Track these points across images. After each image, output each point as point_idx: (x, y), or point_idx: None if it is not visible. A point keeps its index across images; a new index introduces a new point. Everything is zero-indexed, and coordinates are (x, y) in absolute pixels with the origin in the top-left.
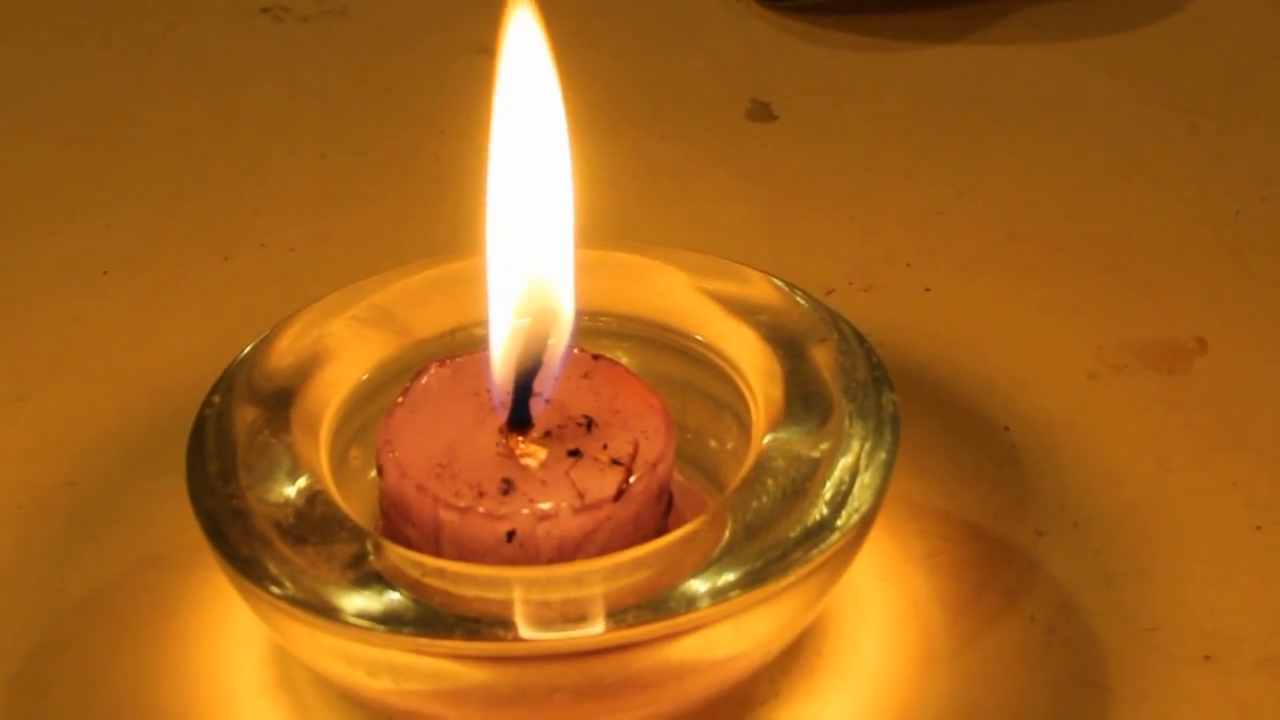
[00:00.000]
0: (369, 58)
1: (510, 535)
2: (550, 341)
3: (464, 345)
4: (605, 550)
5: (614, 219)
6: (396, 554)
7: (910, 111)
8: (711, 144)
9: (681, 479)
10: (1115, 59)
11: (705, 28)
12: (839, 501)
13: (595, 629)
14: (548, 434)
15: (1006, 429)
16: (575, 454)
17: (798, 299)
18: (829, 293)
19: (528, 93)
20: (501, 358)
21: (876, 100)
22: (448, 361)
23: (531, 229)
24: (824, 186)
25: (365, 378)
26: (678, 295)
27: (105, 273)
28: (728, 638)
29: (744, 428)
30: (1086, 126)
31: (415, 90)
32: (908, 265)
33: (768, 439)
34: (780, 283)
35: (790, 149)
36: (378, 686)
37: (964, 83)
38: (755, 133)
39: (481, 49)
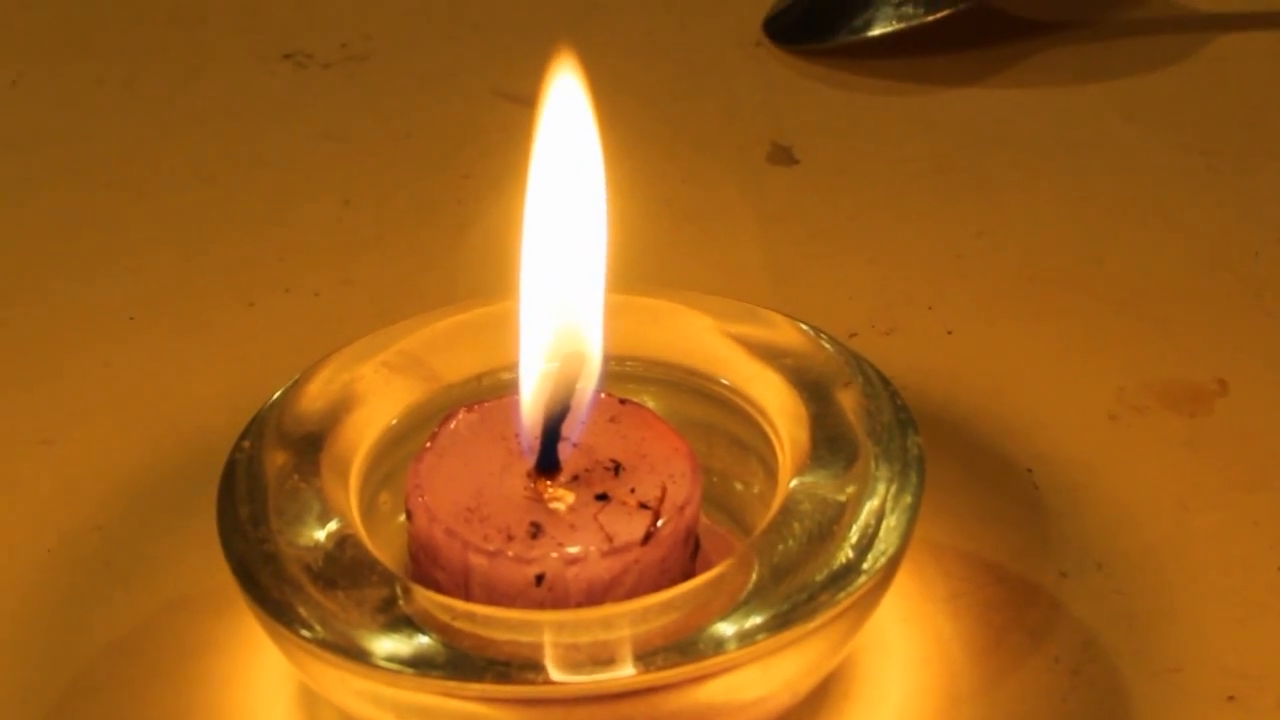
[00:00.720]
0: (391, 103)
1: (539, 579)
2: (578, 386)
3: (491, 390)
4: (633, 593)
5: (635, 262)
6: (426, 598)
7: (929, 154)
8: (733, 188)
9: (708, 522)
10: (1132, 101)
11: (725, 72)
12: (865, 545)
13: (624, 672)
14: (575, 478)
15: (1029, 470)
16: (603, 498)
17: (822, 342)
18: (851, 336)
19: (567, 142)
20: (529, 402)
21: (896, 143)
22: (475, 406)
23: (562, 274)
24: (845, 229)
25: (394, 423)
26: (703, 339)
27: (131, 318)
28: (755, 680)
29: (770, 471)
30: (1104, 168)
31: (437, 135)
32: (929, 308)
33: (794, 482)
34: (805, 326)
35: (811, 192)
36: None
37: (982, 125)
38: (776, 176)
39: (503, 94)
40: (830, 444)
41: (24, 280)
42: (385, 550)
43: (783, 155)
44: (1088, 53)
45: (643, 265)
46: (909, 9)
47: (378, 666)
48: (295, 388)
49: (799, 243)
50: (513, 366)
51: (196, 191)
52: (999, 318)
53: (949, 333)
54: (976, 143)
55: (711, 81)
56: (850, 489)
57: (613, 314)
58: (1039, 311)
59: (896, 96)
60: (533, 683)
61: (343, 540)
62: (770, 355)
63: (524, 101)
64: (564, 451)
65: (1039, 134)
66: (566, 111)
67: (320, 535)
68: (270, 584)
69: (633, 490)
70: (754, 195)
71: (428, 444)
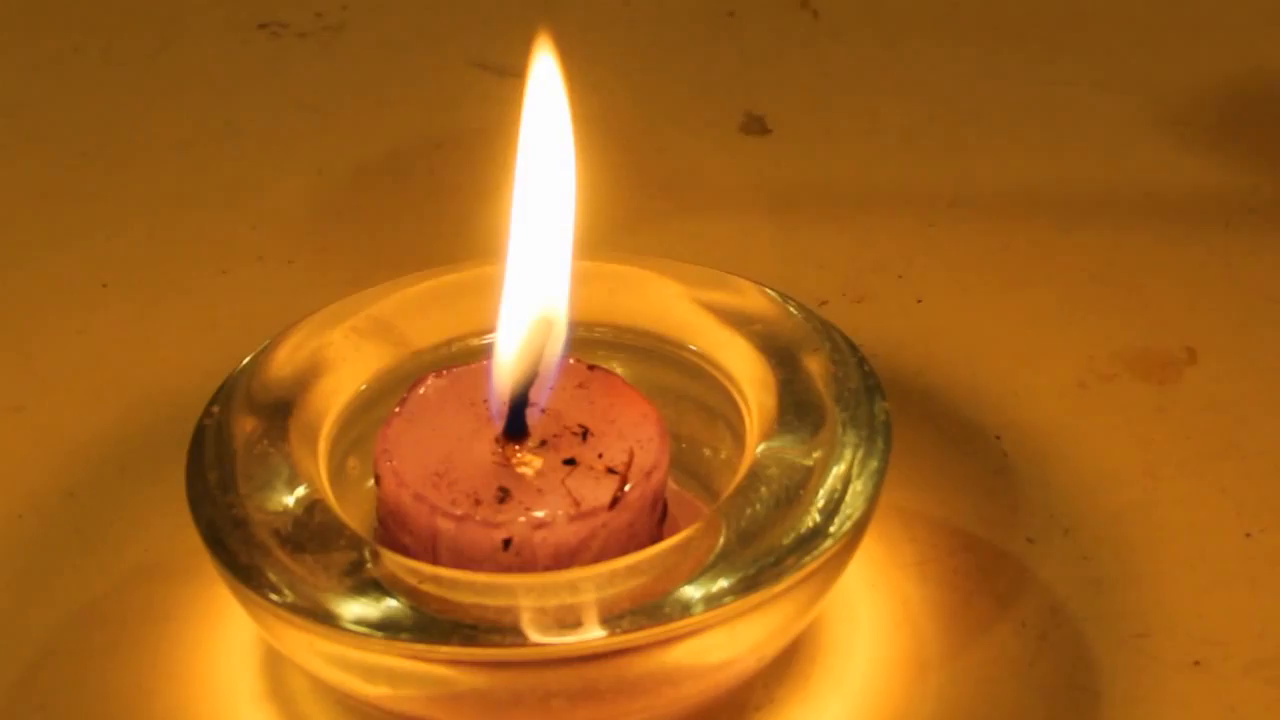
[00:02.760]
0: (365, 72)
1: (507, 543)
2: (546, 351)
3: (460, 356)
4: (601, 557)
5: (607, 231)
6: (394, 562)
7: (901, 125)
8: (705, 157)
9: (676, 487)
10: (1104, 71)
11: (698, 41)
12: (832, 509)
13: (592, 634)
14: (543, 443)
15: (997, 437)
16: (571, 463)
17: (790, 309)
18: (822, 304)
19: (541, 112)
20: (498, 368)
21: (868, 113)
22: (444, 372)
23: (531, 241)
24: (817, 199)
25: (363, 388)
26: (672, 305)
27: (104, 285)
28: (722, 643)
29: (737, 437)
30: (1075, 138)
31: (411, 105)
32: (899, 277)
33: (761, 447)
34: (773, 293)
35: (784, 161)
36: (375, 693)
37: (954, 95)
38: (749, 145)
39: (478, 63)
40: (798, 410)
41: (26, 246)
42: (354, 515)
43: (755, 124)
44: (1060, 21)
45: (613, 233)
46: None
47: (345, 630)
48: (264, 354)
49: (771, 211)
50: (482, 333)
51: (170, 160)
52: (970, 287)
53: (919, 301)
54: (948, 112)
55: (684, 51)
56: (817, 454)
57: (581, 280)
58: (1010, 280)
59: (870, 66)
60: (500, 645)
61: (311, 505)
62: (738, 321)
63: (498, 71)
64: (532, 417)
65: (1011, 104)
66: (542, 83)
67: (289, 500)
68: (239, 549)
69: (600, 455)
70: (727, 164)
71: (396, 409)
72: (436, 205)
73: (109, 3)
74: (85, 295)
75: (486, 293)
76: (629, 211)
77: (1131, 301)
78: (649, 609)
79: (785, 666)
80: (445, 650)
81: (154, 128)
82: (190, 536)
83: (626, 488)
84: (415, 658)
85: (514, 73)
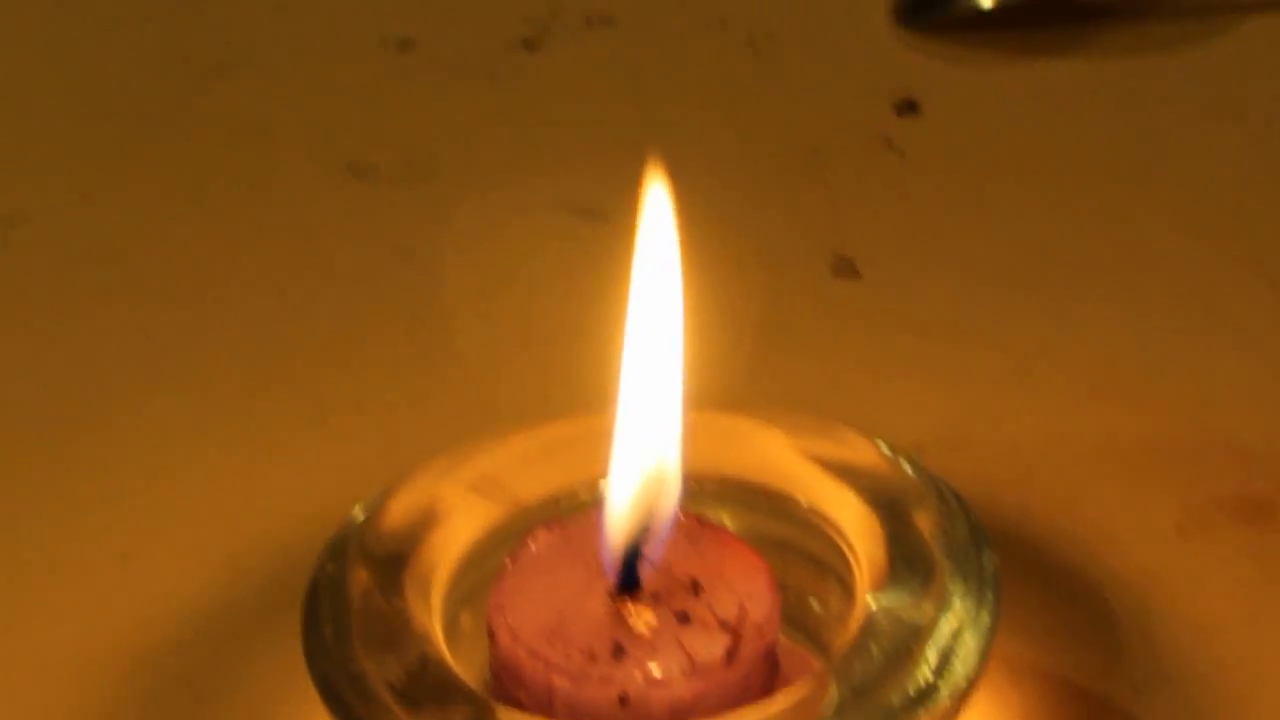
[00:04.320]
0: (457, 217)
1: (623, 700)
2: (659, 505)
3: (570, 509)
4: (715, 713)
5: (700, 376)
6: (510, 718)
7: (992, 268)
8: (797, 301)
9: (785, 640)
10: (1193, 215)
11: (784, 181)
12: (944, 665)
13: None
14: (656, 597)
15: (1099, 585)
16: (683, 617)
17: (895, 459)
18: (918, 450)
19: (656, 262)
20: (610, 521)
21: (958, 254)
22: (555, 525)
23: (641, 392)
24: (910, 343)
25: (474, 542)
26: (778, 457)
27: (204, 434)
28: None
29: (846, 589)
30: (1165, 282)
31: (503, 248)
32: (994, 423)
33: (871, 601)
34: (880, 444)
35: (875, 305)
36: None
37: (1043, 236)
38: (840, 289)
39: (568, 206)
40: (907, 562)
41: (98, 396)
42: (468, 669)
43: (846, 267)
44: (1149, 162)
45: (708, 380)
46: None
47: None
48: (375, 508)
49: (865, 357)
50: (591, 486)
51: (266, 306)
52: (1064, 432)
53: (1014, 447)
54: (1038, 253)
55: (770, 191)
56: (928, 608)
57: (689, 432)
58: (1103, 425)
59: (958, 207)
60: None
61: (426, 660)
62: (844, 473)
63: (589, 214)
64: (644, 570)
65: (1099, 245)
66: (654, 229)
67: (404, 655)
68: (355, 704)
69: (712, 609)
70: (819, 309)
71: (508, 563)
72: (530, 351)
73: (202, 147)
74: (185, 442)
75: (593, 445)
76: (719, 356)
77: (1226, 445)
78: None
79: None
80: None
81: (248, 272)
82: (303, 690)
83: (740, 643)
84: None
85: (604, 216)
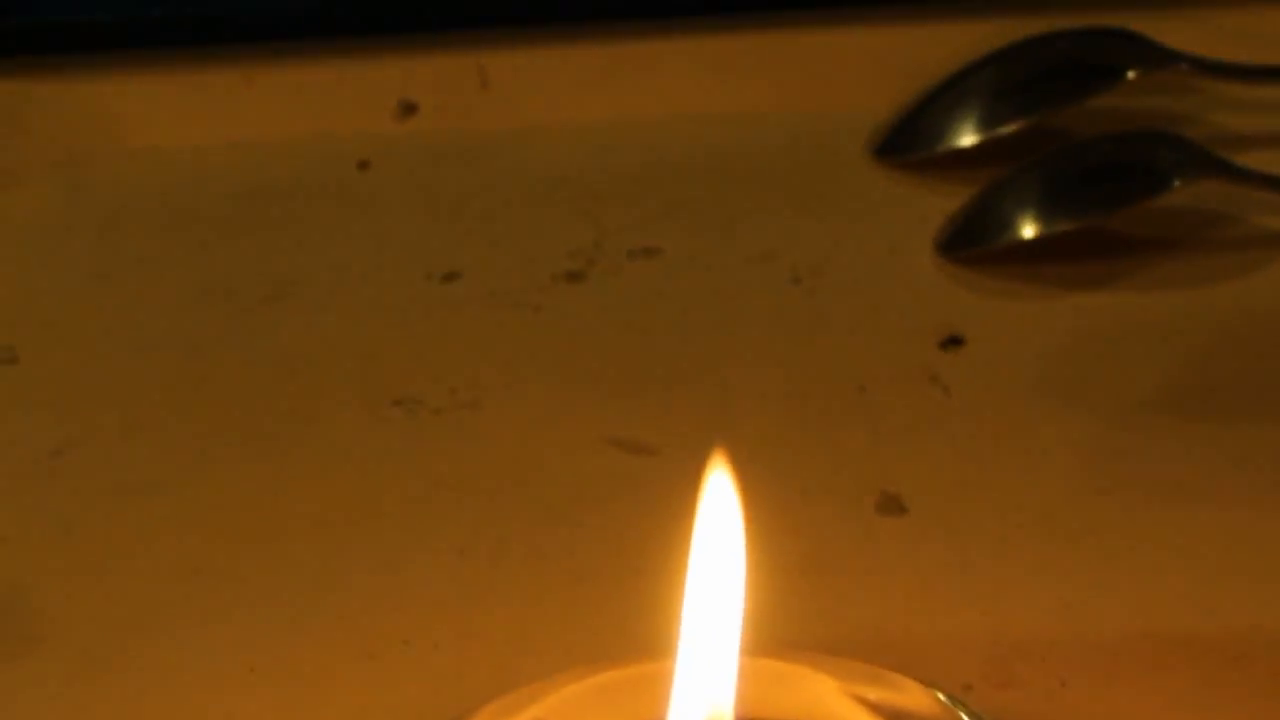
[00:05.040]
0: (503, 450)
1: None
2: None
3: None
4: None
5: (747, 616)
6: None
7: (1038, 503)
8: (842, 538)
9: None
10: (1246, 451)
11: (829, 418)
12: None
13: None
14: None
15: None
16: None
17: (949, 704)
18: (966, 689)
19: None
20: None
21: (1004, 492)
22: None
23: (697, 638)
24: (956, 580)
25: None
26: (829, 702)
27: (252, 670)
28: None
29: None
30: (1217, 520)
31: (549, 482)
32: (1042, 660)
33: None
34: (933, 691)
35: (921, 542)
36: None
37: (1088, 471)
38: (886, 526)
39: (615, 439)
40: None
41: (142, 629)
42: None
43: (892, 504)
44: (1194, 400)
45: (755, 619)
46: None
47: None
48: None
49: (911, 593)
50: None
51: (311, 539)
52: (1113, 670)
53: (1063, 685)
54: (1084, 489)
55: (816, 428)
56: None
57: (741, 677)
58: (1152, 663)
59: (1003, 443)
60: None
61: None
62: (898, 718)
63: (635, 449)
64: None
65: (1146, 485)
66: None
67: None
68: None
69: None
70: (864, 545)
71: None
72: (578, 588)
73: (247, 379)
74: (232, 678)
75: (646, 691)
76: (764, 594)
77: (1274, 687)
78: None
79: None
80: None
81: (293, 506)
82: None
83: None
84: None
85: (651, 450)
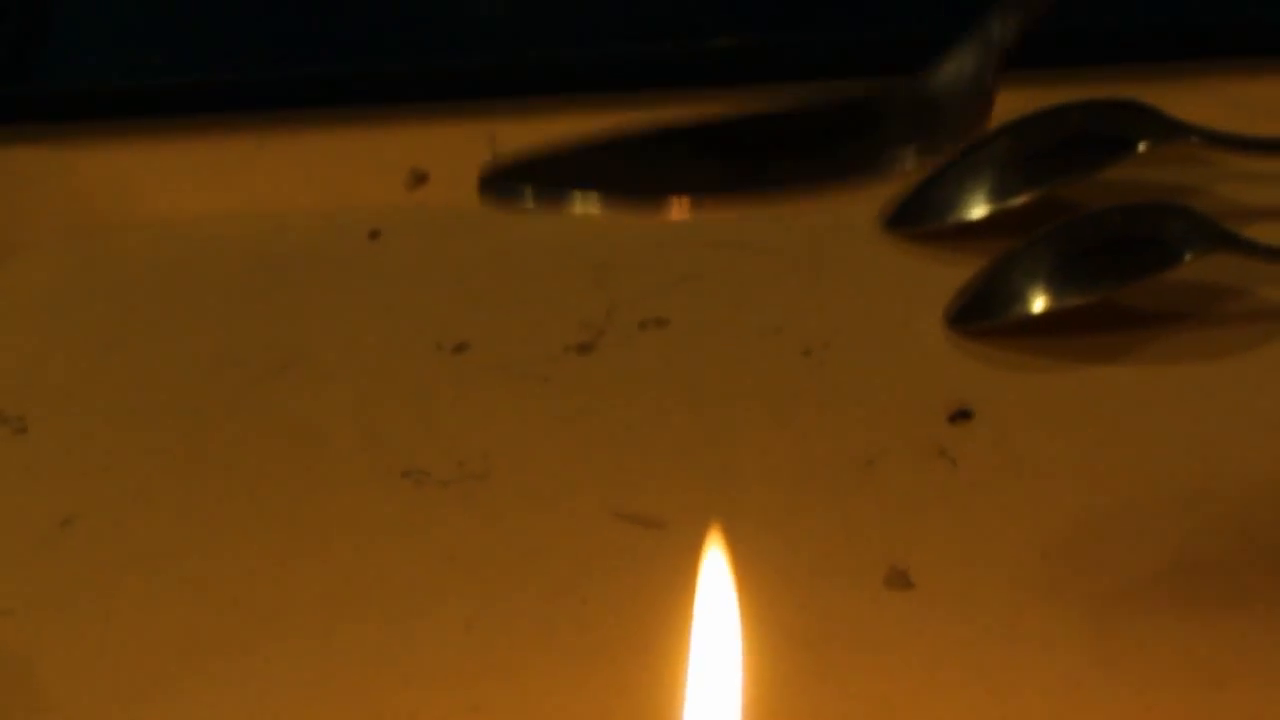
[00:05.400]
0: (510, 523)
1: None
2: None
3: None
4: None
5: (753, 691)
6: None
7: (1046, 578)
8: (849, 613)
9: None
10: (1255, 532)
11: (838, 492)
12: None
13: None
14: None
15: None
16: None
17: None
18: None
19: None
20: None
21: (1012, 566)
22: None
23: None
24: (963, 655)
25: None
26: None
27: None
28: None
29: None
30: (1226, 601)
31: (557, 555)
32: None
33: None
34: None
35: (929, 618)
36: None
37: (1098, 551)
38: (893, 600)
39: (623, 512)
40: None
41: (149, 702)
42: None
43: (899, 579)
44: (1203, 477)
45: (761, 694)
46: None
47: None
48: None
49: (918, 669)
50: None
51: (319, 611)
52: None
53: None
54: (1091, 568)
55: (824, 502)
56: None
57: None
58: None
59: (1011, 517)
60: None
61: None
62: None
63: (644, 522)
64: None
65: (1153, 560)
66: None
67: None
68: None
69: None
70: (872, 621)
71: None
72: (585, 665)
73: (256, 449)
74: None
75: None
76: (770, 670)
77: None
78: None
79: None
80: None
81: (300, 577)
82: None
83: None
84: None
85: (659, 524)
